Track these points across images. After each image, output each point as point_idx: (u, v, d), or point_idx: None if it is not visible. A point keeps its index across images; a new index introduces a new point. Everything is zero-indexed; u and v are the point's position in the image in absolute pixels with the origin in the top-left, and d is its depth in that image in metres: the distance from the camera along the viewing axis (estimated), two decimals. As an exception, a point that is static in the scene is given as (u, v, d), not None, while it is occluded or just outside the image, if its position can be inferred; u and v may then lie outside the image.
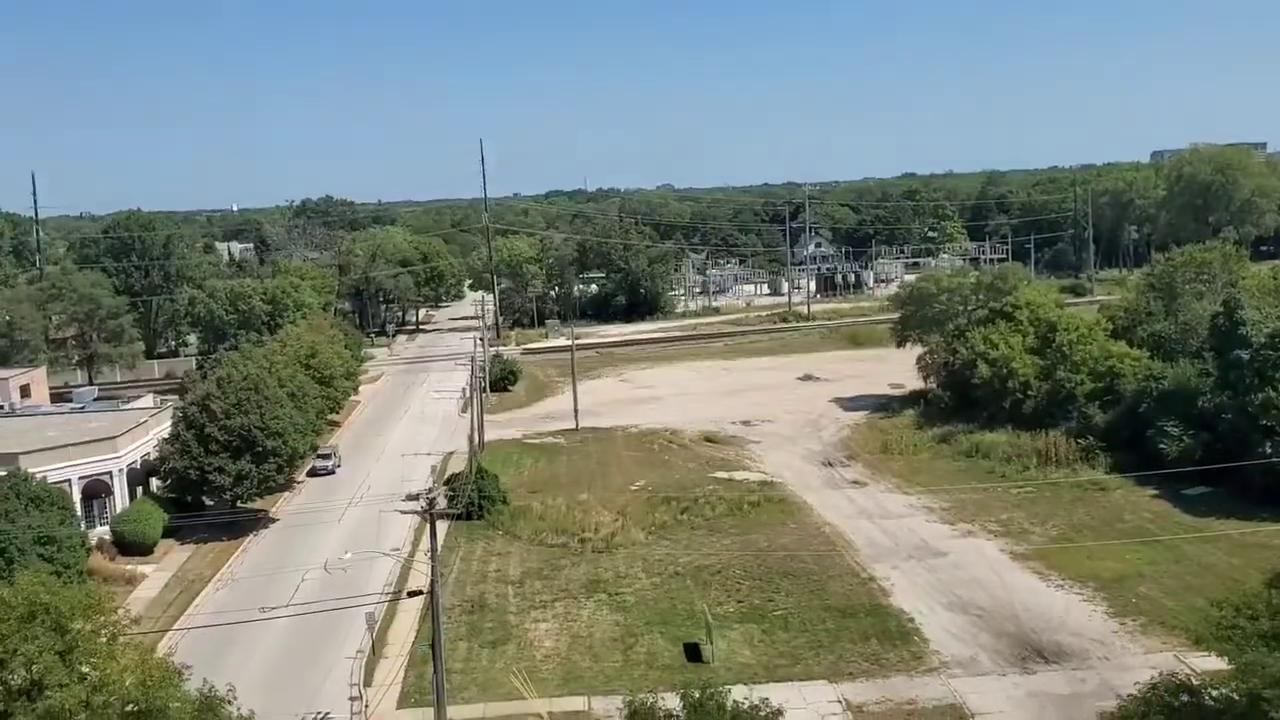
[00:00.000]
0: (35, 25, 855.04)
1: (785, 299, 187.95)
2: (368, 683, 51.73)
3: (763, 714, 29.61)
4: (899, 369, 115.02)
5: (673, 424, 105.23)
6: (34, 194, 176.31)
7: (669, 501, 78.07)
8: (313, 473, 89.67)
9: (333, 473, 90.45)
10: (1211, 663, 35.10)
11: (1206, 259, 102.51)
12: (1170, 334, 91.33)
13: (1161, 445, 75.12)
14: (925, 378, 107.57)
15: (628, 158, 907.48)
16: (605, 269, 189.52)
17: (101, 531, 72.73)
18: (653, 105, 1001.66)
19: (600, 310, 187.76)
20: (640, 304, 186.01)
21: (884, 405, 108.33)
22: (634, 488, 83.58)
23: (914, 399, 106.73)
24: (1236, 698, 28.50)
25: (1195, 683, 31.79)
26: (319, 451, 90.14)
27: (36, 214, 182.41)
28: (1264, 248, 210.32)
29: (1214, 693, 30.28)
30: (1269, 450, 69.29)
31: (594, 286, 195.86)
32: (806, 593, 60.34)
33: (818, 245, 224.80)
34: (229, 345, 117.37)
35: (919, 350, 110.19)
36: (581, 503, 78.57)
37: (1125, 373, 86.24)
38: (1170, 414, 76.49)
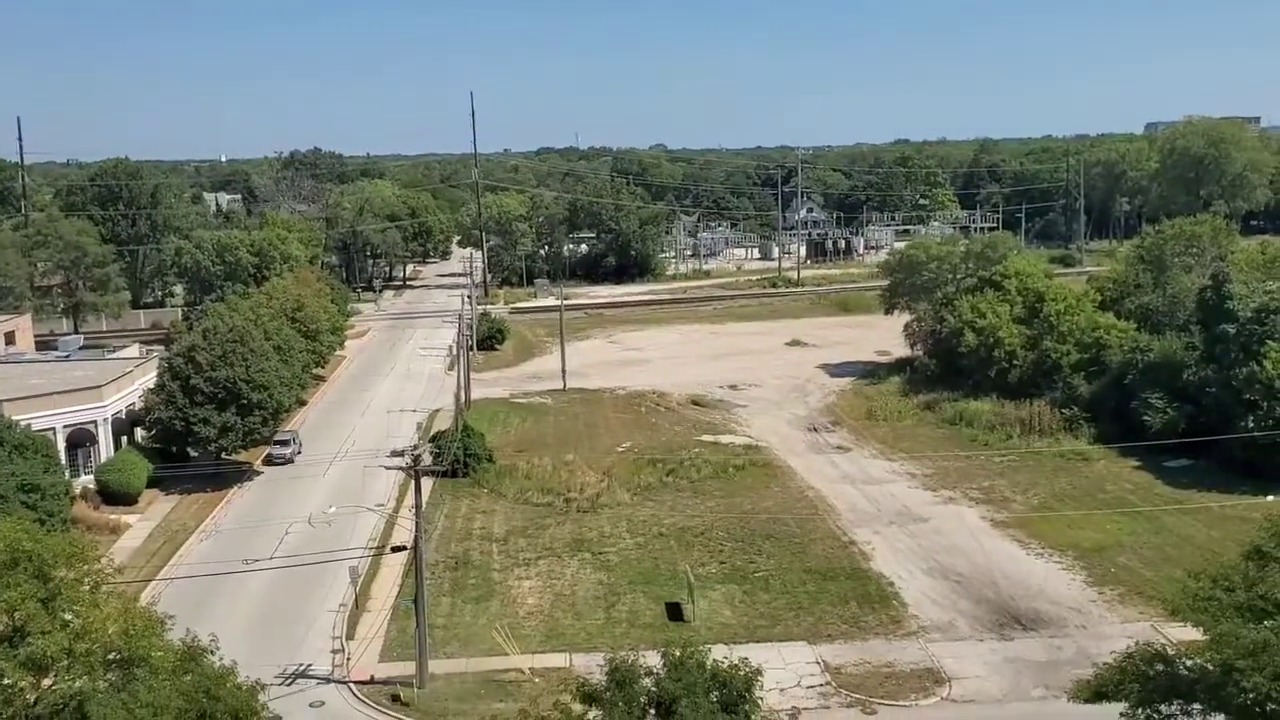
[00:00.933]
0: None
1: (775, 264, 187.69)
2: (350, 636, 51.97)
3: (742, 673, 29.84)
4: (887, 336, 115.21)
5: (660, 386, 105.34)
6: (19, 139, 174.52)
7: (655, 463, 78.33)
8: (269, 460, 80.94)
9: (291, 460, 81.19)
10: (1187, 633, 35.47)
11: (1196, 232, 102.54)
12: (1158, 306, 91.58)
13: (1145, 417, 75.54)
14: (912, 345, 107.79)
15: (620, 116, 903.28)
16: (596, 229, 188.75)
17: (86, 480, 72.65)
18: (647, 64, 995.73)
19: (590, 271, 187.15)
20: (630, 265, 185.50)
21: (870, 372, 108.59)
22: (620, 449, 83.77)
23: (900, 366, 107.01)
24: (1210, 668, 28.81)
25: (1170, 652, 32.13)
26: (276, 436, 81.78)
27: (22, 159, 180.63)
28: (1254, 222, 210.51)
29: (1188, 663, 30.63)
30: (1251, 424, 69.76)
31: (584, 246, 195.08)
32: (788, 555, 60.74)
33: (809, 210, 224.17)
34: (215, 296, 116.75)
35: (907, 318, 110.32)
36: (567, 463, 78.75)
37: (1111, 344, 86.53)
38: (1155, 386, 76.85)
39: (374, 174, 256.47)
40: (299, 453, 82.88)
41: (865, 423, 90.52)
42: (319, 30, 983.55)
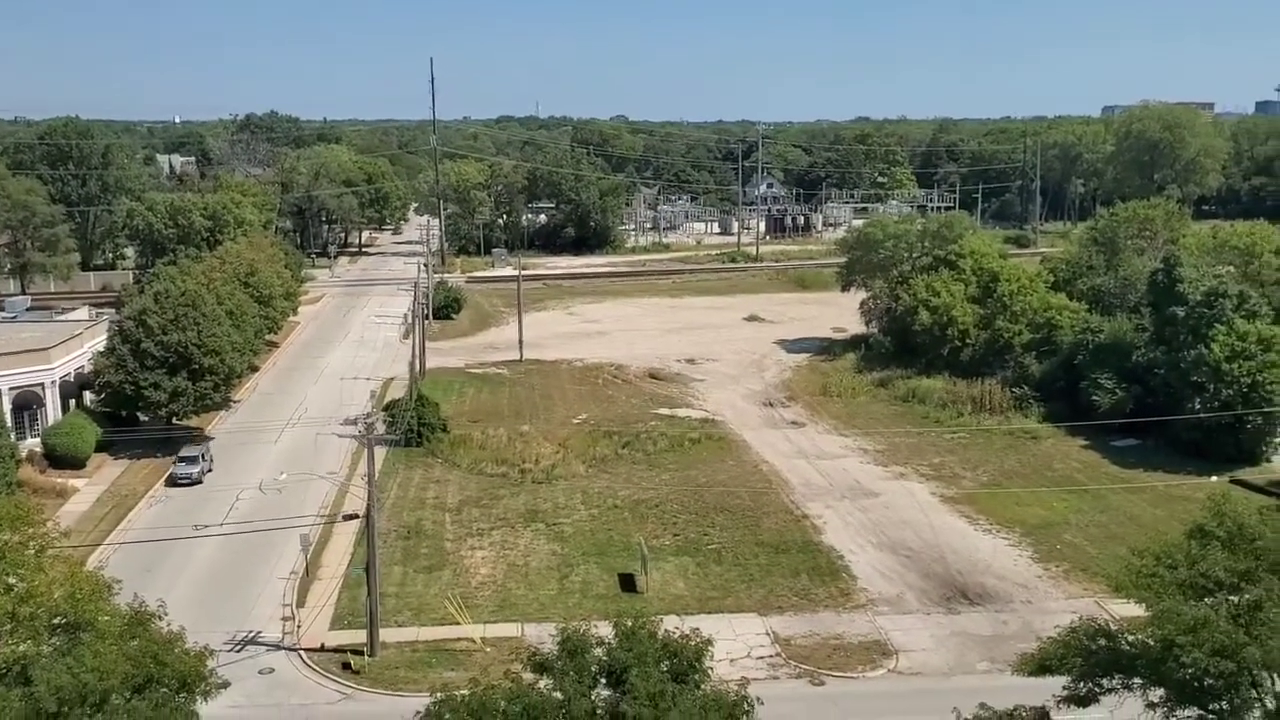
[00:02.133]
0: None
1: (735, 239, 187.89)
2: (300, 603, 51.73)
3: (693, 644, 29.96)
4: (843, 313, 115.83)
5: (618, 359, 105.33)
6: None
7: (610, 436, 78.40)
8: (172, 481, 68.57)
9: (199, 481, 68.68)
10: (1130, 609, 36.06)
11: (1149, 215, 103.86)
12: (1110, 288, 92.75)
13: (1094, 397, 76.62)
14: (868, 322, 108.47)
15: (582, 87, 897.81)
16: (555, 199, 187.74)
17: (32, 443, 71.56)
18: (610, 35, 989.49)
19: (549, 241, 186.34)
20: (589, 237, 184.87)
21: (826, 348, 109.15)
22: (576, 421, 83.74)
23: (856, 343, 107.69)
24: (1151, 643, 29.34)
25: (1113, 628, 32.66)
26: (181, 453, 70.46)
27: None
28: (1206, 207, 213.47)
29: (1130, 638, 31.15)
30: (1198, 406, 71.02)
31: (543, 217, 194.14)
32: (741, 528, 61.13)
33: (769, 186, 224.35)
34: (167, 260, 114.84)
35: (863, 295, 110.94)
36: (523, 434, 78.64)
37: (1063, 325, 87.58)
38: (1104, 367, 77.93)
39: (331, 139, 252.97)
40: (209, 470, 70.19)
41: (820, 398, 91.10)
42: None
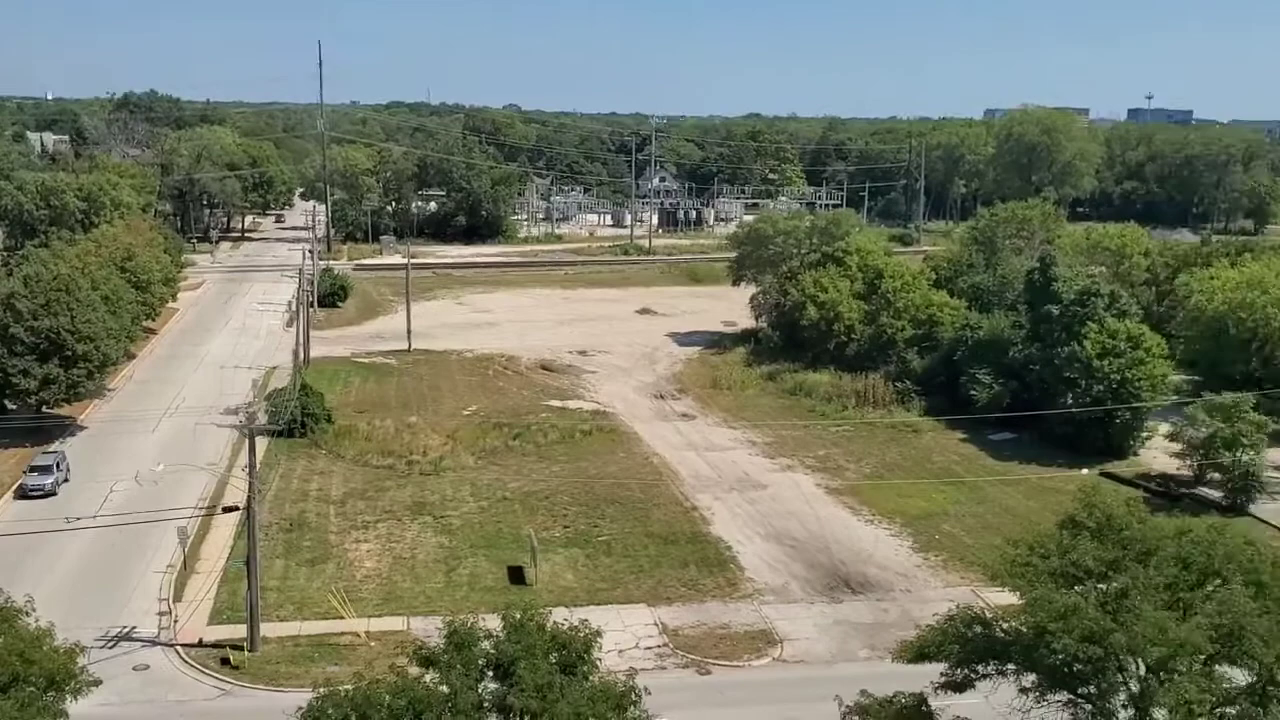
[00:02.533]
0: None
1: (628, 231, 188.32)
2: (178, 598, 50.38)
3: (581, 635, 29.98)
4: (734, 307, 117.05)
5: (509, 350, 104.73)
6: None
7: (501, 427, 77.95)
8: (22, 494, 62.48)
9: (53, 493, 62.60)
10: (1004, 597, 37.27)
11: (1027, 216, 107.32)
12: (989, 286, 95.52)
13: (973, 392, 78.84)
14: (757, 317, 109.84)
15: (474, 73, 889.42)
16: (446, 187, 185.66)
17: (-112, 432, 68.14)
18: (503, 21, 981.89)
19: (439, 230, 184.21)
20: (481, 226, 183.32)
21: (717, 342, 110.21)
22: (466, 412, 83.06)
23: (746, 337, 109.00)
24: (1024, 630, 30.38)
25: (988, 616, 33.73)
26: (32, 462, 64.70)
27: None
28: (1080, 209, 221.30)
29: (1005, 625, 32.21)
30: (1070, 401, 73.64)
31: (433, 205, 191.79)
32: (631, 520, 61.39)
33: (662, 180, 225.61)
34: (39, 242, 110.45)
35: (753, 290, 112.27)
36: (410, 425, 77.68)
37: (944, 321, 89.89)
38: (983, 362, 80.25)
39: (214, 120, 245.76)
40: (65, 481, 64.35)
41: (710, 391, 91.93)
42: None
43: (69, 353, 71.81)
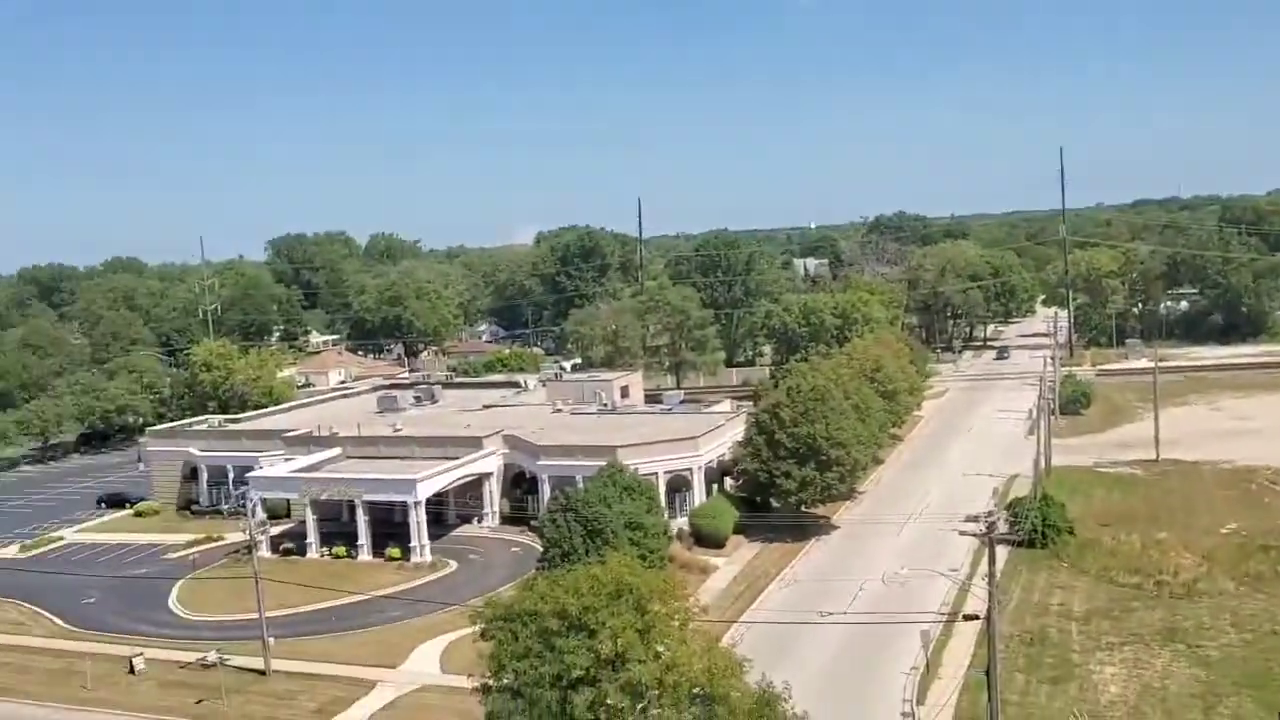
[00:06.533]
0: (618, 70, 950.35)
1: None
2: (920, 701, 51.39)
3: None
4: None
5: (1274, 461, 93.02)
6: (639, 219, 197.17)
7: (1267, 550, 69.12)
8: None
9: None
10: None
11: None
12: None
13: None
14: None
15: (1230, 161, 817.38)
16: (1198, 284, 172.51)
17: (680, 522, 79.26)
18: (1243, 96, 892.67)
19: (1190, 330, 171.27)
20: (1239, 324, 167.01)
21: None
22: (1224, 530, 75.08)
23: None
24: None
25: None
26: None
27: (640, 236, 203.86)
28: None
29: None
30: None
31: (1184, 304, 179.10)
32: None
33: None
34: (799, 356, 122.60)
35: None
36: (1159, 542, 72.05)
37: None
38: None
39: (957, 234, 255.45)
40: None
41: None
42: (887, 89, 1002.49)
43: (824, 457, 78.19)
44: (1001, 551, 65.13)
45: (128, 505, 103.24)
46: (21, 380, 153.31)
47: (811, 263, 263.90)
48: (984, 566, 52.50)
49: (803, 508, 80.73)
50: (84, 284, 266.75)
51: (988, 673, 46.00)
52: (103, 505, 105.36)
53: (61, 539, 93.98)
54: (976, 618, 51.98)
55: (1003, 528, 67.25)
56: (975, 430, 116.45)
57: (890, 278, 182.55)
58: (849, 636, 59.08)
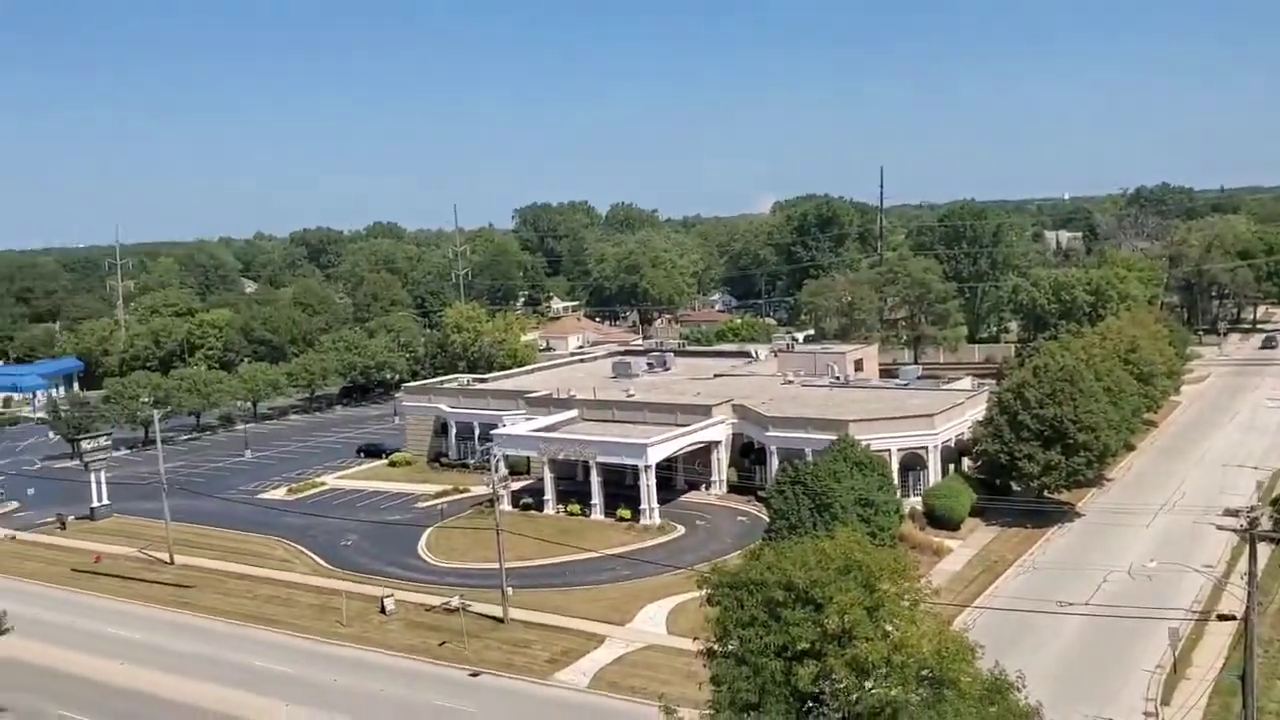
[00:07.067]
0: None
1: None
2: (1165, 701, 48.77)
3: None
4: None
5: None
6: (880, 187, 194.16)
7: None
8: None
9: None
10: None
11: None
12: None
13: None
14: None
15: None
16: None
17: (914, 502, 77.65)
18: None
19: None
20: None
21: None
22: None
23: None
24: None
25: None
26: None
27: (881, 204, 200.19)
28: None
29: None
30: None
31: None
32: None
33: None
34: (1048, 334, 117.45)
35: None
36: None
37: None
38: None
39: (1226, 209, 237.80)
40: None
41: None
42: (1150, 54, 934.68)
43: (1070, 440, 74.74)
44: (1263, 550, 60.45)
45: (384, 455, 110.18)
46: (292, 335, 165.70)
47: (1064, 235, 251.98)
48: (1243, 565, 48.98)
49: (1045, 493, 77.59)
50: (349, 246, 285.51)
51: (1242, 677, 43.05)
52: (361, 454, 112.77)
53: (324, 484, 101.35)
54: (1233, 618, 48.78)
55: (1266, 524, 62.56)
56: (1239, 419, 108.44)
57: (1150, 253, 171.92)
58: (1089, 629, 56.55)
